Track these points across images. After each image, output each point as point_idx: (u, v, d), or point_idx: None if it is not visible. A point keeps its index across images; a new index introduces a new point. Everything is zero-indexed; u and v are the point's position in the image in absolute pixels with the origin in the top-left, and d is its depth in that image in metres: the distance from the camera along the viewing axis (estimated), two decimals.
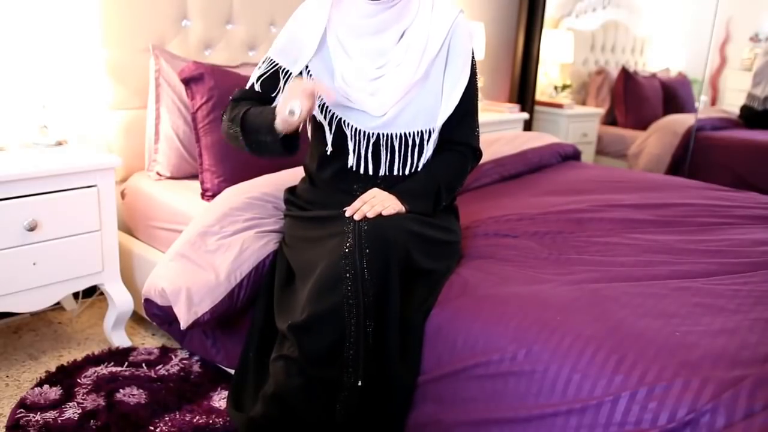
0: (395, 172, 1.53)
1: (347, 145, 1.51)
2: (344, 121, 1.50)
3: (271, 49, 1.56)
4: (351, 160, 1.52)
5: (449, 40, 1.52)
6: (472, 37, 1.58)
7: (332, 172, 1.56)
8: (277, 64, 1.54)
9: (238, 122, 1.48)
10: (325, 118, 1.51)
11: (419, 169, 1.55)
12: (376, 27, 1.48)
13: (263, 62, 1.57)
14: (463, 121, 1.57)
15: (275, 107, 1.41)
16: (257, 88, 1.56)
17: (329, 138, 1.51)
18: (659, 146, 3.89)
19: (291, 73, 1.52)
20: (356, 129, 1.50)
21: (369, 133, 1.50)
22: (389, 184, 1.51)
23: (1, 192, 1.63)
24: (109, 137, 2.18)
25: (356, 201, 1.45)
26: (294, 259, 1.50)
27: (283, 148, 1.45)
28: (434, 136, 1.53)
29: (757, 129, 3.71)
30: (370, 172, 1.52)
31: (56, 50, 1.92)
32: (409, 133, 1.51)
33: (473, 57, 1.58)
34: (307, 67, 1.53)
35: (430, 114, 1.52)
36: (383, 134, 1.50)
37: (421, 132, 1.52)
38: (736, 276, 1.51)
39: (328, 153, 1.52)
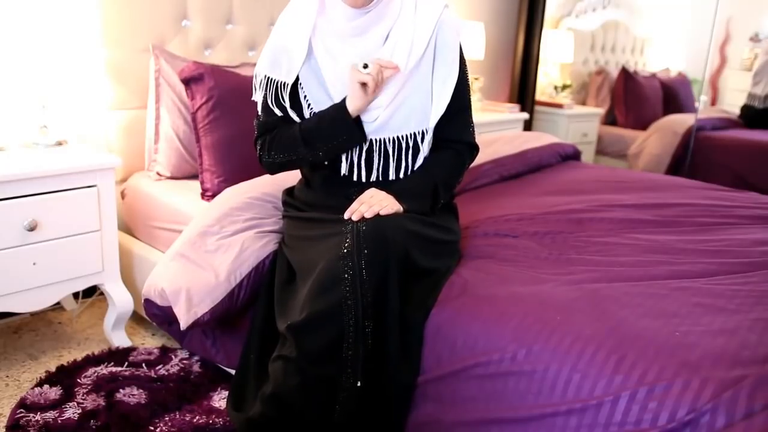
0: (390, 177, 1.52)
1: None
2: None
3: (261, 65, 1.53)
4: (344, 168, 1.51)
5: (435, 36, 1.49)
6: (459, 32, 1.55)
7: (326, 176, 1.55)
8: (272, 79, 1.51)
9: (296, 141, 1.48)
10: None
11: (415, 169, 1.54)
12: (358, 29, 1.46)
13: (258, 82, 1.54)
14: (456, 117, 1.55)
15: (332, 108, 1.45)
16: (277, 111, 1.54)
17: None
18: (659, 146, 3.89)
19: (287, 84, 1.50)
20: None
21: None
22: (384, 187, 1.50)
23: (1, 192, 1.63)
24: (109, 137, 2.18)
25: (354, 202, 1.44)
26: (294, 259, 1.50)
27: (359, 134, 1.45)
28: (428, 137, 1.52)
29: (757, 129, 3.71)
30: (363, 179, 1.52)
31: (56, 50, 1.91)
32: (402, 137, 1.50)
33: (462, 52, 1.55)
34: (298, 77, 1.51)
35: (422, 114, 1.50)
36: (376, 139, 1.49)
37: (414, 134, 1.50)
38: (736, 276, 1.51)
39: (325, 164, 1.52)
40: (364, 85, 1.38)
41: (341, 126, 1.44)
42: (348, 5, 1.43)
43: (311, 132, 1.47)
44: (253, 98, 1.58)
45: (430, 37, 1.48)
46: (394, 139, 1.49)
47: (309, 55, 1.49)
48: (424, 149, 1.52)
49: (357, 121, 1.45)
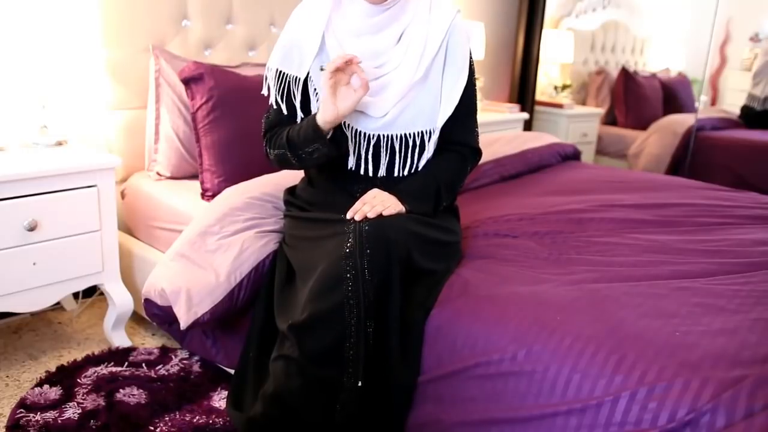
0: (395, 173, 1.53)
1: (346, 148, 1.50)
2: (344, 122, 1.49)
3: (273, 59, 1.54)
4: (351, 162, 1.52)
5: (447, 40, 1.51)
6: (469, 38, 1.58)
7: (331, 173, 1.56)
8: (284, 74, 1.52)
9: (284, 144, 1.48)
10: None
11: (419, 170, 1.55)
12: (375, 26, 1.47)
13: (270, 75, 1.54)
14: (462, 121, 1.56)
15: (312, 115, 1.43)
16: (284, 110, 1.54)
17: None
18: (659, 146, 3.89)
19: (299, 79, 1.51)
20: (356, 130, 1.50)
21: (369, 135, 1.50)
22: (389, 184, 1.51)
23: (1, 192, 1.63)
24: (109, 137, 2.18)
25: (357, 202, 1.44)
26: (295, 259, 1.50)
27: (332, 147, 1.43)
28: (434, 137, 1.53)
29: (757, 129, 3.71)
30: (370, 173, 1.52)
31: (56, 50, 1.92)
32: (410, 134, 1.51)
33: (471, 57, 1.57)
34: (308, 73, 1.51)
35: (430, 115, 1.51)
36: (384, 135, 1.50)
37: (422, 133, 1.51)
38: (736, 276, 1.51)
39: (330, 162, 1.51)
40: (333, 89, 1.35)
41: (314, 139, 1.42)
42: (367, 1, 1.44)
43: (293, 140, 1.47)
44: (262, 92, 1.58)
45: (442, 40, 1.50)
46: (401, 136, 1.50)
47: (321, 50, 1.50)
48: (430, 148, 1.53)
49: (338, 130, 1.43)
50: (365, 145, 1.50)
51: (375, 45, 1.48)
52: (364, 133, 1.50)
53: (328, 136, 1.42)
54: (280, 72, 1.53)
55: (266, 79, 1.57)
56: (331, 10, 1.49)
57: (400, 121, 1.49)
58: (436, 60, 1.50)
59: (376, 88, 1.49)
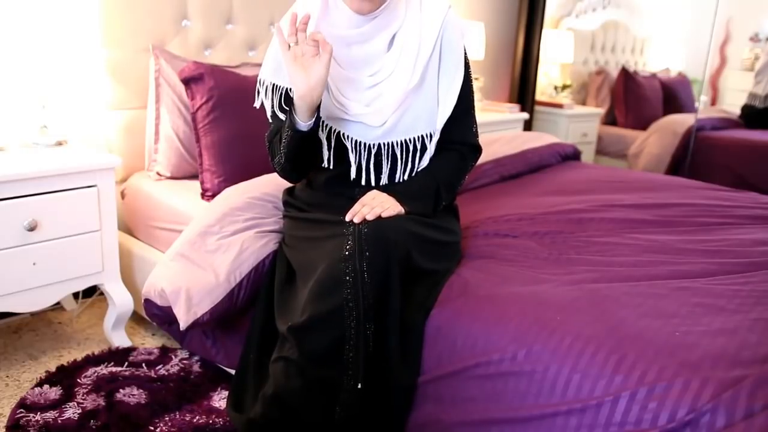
0: (397, 179, 1.52)
1: (347, 156, 1.49)
2: (343, 133, 1.48)
3: (265, 71, 1.51)
4: (353, 173, 1.50)
5: (441, 39, 1.49)
6: (463, 34, 1.54)
7: (332, 179, 1.55)
8: (278, 86, 1.50)
9: (278, 148, 1.47)
10: (323, 131, 1.48)
11: (419, 170, 1.54)
12: (363, 35, 1.45)
13: (264, 89, 1.51)
14: (460, 119, 1.55)
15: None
16: (282, 117, 1.50)
17: (326, 155, 1.48)
18: (659, 146, 3.89)
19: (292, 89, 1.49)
20: (356, 141, 1.48)
21: (370, 144, 1.48)
22: (386, 188, 1.50)
23: (1, 192, 1.63)
24: (109, 137, 2.18)
25: (356, 204, 1.44)
26: (294, 259, 1.50)
27: (307, 128, 1.38)
28: (435, 139, 1.52)
29: (758, 129, 3.72)
30: (372, 182, 1.51)
31: (56, 50, 1.92)
32: (410, 139, 1.49)
33: (465, 53, 1.55)
34: None
35: (429, 117, 1.50)
36: (384, 143, 1.49)
37: (422, 136, 1.50)
38: (736, 276, 1.51)
39: (329, 167, 1.51)
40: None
41: (289, 118, 1.39)
42: (354, 11, 1.42)
43: (280, 137, 1.45)
44: (255, 105, 1.56)
45: (436, 39, 1.48)
46: (401, 142, 1.49)
47: None
48: (430, 150, 1.52)
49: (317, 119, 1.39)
50: (366, 155, 1.49)
51: (366, 52, 1.46)
52: (364, 143, 1.48)
53: (309, 124, 1.37)
54: (274, 85, 1.50)
55: (258, 92, 1.53)
56: (318, 18, 1.45)
57: (400, 127, 1.48)
58: (431, 62, 1.48)
59: (371, 96, 1.47)
